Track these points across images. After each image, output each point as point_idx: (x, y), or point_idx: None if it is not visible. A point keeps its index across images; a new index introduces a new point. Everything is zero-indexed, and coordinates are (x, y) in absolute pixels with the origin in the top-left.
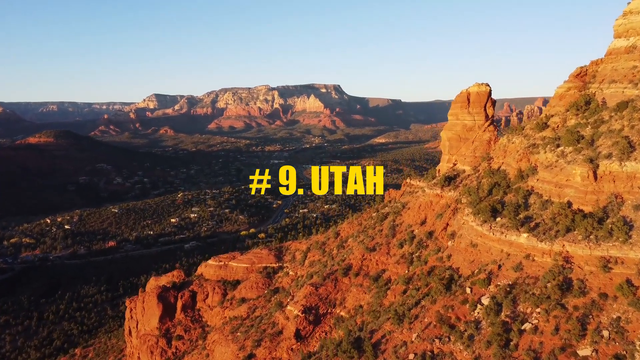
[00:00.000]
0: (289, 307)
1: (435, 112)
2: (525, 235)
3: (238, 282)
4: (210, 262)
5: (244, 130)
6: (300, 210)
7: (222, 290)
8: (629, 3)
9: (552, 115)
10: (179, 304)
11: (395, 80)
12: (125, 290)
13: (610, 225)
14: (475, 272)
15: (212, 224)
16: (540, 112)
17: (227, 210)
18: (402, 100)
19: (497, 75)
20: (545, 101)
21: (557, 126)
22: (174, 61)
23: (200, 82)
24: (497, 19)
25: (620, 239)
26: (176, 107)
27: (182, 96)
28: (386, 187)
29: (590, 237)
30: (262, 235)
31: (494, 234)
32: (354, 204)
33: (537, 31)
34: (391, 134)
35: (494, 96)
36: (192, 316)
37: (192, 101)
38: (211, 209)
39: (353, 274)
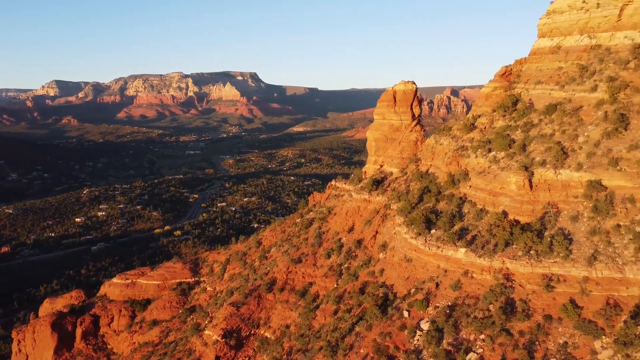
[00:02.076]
0: (207, 332)
1: (351, 100)
2: (463, 250)
3: (149, 302)
4: (115, 280)
5: (156, 120)
6: (219, 204)
7: (130, 312)
8: (552, 2)
9: (480, 116)
10: (79, 331)
11: (312, 69)
12: (21, 304)
13: (549, 239)
14: (412, 291)
15: (122, 222)
16: (449, 102)
17: (139, 207)
18: (319, 88)
19: (407, 65)
20: (454, 91)
21: (485, 127)
22: (76, 45)
23: (107, 68)
24: (407, 9)
25: (562, 255)
26: (80, 95)
27: (86, 83)
28: (305, 177)
29: (531, 252)
30: (178, 232)
31: (429, 249)
32: (274, 195)
33: (446, 22)
34: (309, 122)
35: None
36: (94, 344)
37: (98, 88)
38: (121, 205)
39: (278, 289)
